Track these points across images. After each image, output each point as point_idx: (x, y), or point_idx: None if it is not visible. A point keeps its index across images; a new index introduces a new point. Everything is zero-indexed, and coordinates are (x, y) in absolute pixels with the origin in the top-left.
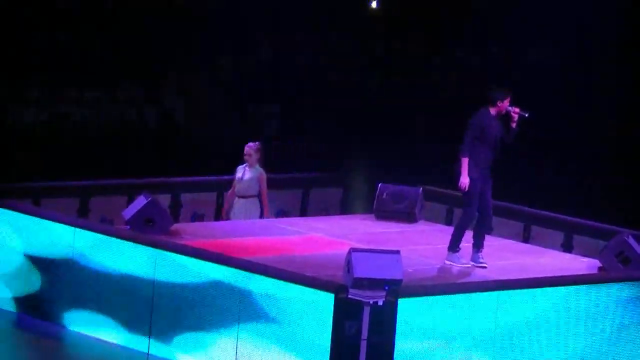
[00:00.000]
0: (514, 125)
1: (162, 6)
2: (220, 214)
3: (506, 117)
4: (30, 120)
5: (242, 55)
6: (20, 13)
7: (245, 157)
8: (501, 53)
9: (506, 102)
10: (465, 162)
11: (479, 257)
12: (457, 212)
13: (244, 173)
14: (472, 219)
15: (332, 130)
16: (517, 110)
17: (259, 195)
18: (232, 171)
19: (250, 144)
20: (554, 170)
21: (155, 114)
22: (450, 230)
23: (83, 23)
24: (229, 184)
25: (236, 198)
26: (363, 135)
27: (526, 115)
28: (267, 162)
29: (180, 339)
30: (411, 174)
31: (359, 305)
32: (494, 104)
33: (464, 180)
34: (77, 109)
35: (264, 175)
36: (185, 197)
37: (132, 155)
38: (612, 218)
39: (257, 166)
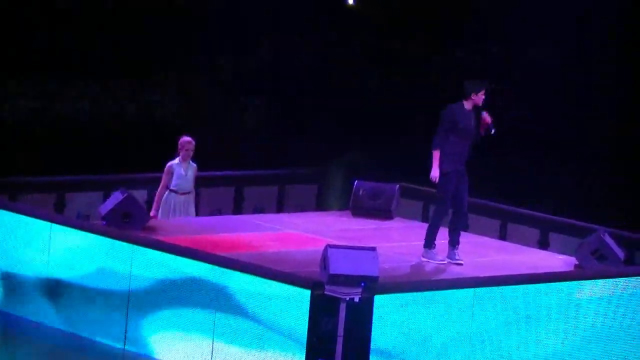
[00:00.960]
0: (481, 130)
1: (162, 6)
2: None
3: (479, 113)
4: (25, 115)
5: (242, 55)
6: (20, 13)
7: (189, 152)
8: (501, 53)
9: (481, 95)
10: (436, 155)
11: (455, 254)
12: (433, 208)
13: (187, 168)
14: (444, 213)
15: (332, 129)
16: (488, 120)
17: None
18: (162, 167)
19: (189, 137)
20: (554, 170)
21: (149, 112)
22: (426, 226)
23: (83, 23)
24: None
25: (172, 194)
26: (363, 135)
27: (492, 131)
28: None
29: (156, 335)
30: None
31: (335, 302)
32: (467, 97)
33: (434, 174)
34: (73, 106)
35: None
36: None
37: (128, 151)
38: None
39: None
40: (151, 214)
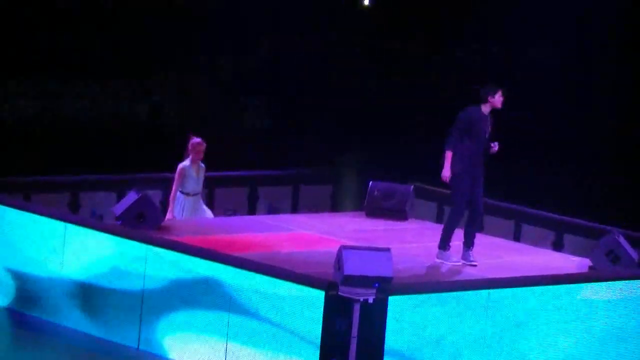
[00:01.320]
0: (490, 150)
1: (162, 6)
2: (166, 212)
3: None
4: (25, 115)
5: (242, 55)
6: (20, 13)
7: (200, 154)
8: (501, 53)
9: (497, 97)
10: (448, 155)
11: (469, 255)
12: (447, 209)
13: (197, 170)
14: (460, 216)
15: (332, 129)
16: (496, 148)
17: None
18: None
19: (199, 139)
20: (554, 170)
21: (150, 112)
22: (440, 227)
23: (83, 23)
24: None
25: (183, 196)
26: (363, 135)
27: (495, 148)
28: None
29: (170, 335)
30: (411, 173)
31: (349, 303)
32: (485, 101)
33: (445, 174)
34: (73, 105)
35: None
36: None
37: (129, 151)
38: (612, 218)
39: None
40: (168, 216)
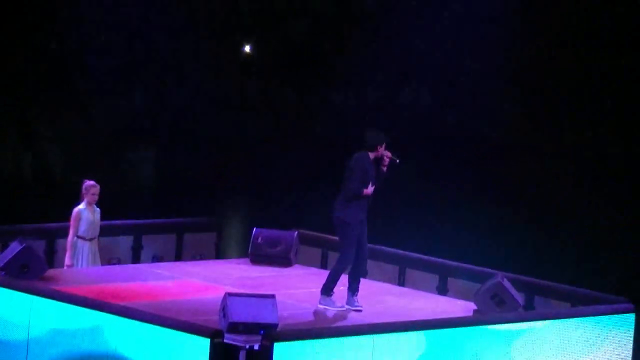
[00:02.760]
0: (384, 169)
1: (37, 49)
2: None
3: (378, 160)
4: None
5: (116, 100)
6: None
7: (95, 197)
8: (375, 94)
9: (383, 147)
10: (369, 191)
11: (354, 301)
12: (332, 255)
13: (93, 213)
14: (348, 263)
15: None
16: (389, 154)
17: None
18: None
19: (93, 181)
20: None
21: (30, 161)
22: (325, 273)
23: None
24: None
25: (80, 241)
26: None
27: (397, 161)
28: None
29: None
30: (286, 219)
31: (235, 350)
32: (373, 149)
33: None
34: None
35: None
36: (61, 243)
37: (7, 202)
38: (496, 261)
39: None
40: (66, 262)
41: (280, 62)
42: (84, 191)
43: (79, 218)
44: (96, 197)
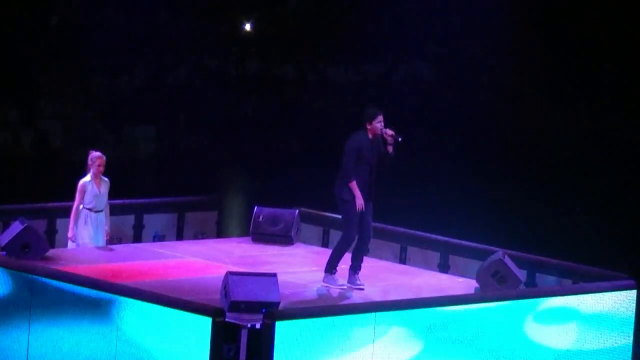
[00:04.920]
0: (390, 149)
1: (36, 28)
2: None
3: (384, 141)
4: None
5: (117, 77)
6: None
7: (101, 168)
8: (375, 70)
9: (376, 122)
10: (354, 185)
11: (356, 279)
12: (333, 233)
13: (99, 185)
14: (351, 241)
15: (210, 152)
16: (389, 132)
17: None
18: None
19: (99, 152)
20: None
21: (30, 138)
22: (326, 252)
23: None
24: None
25: (86, 212)
26: (242, 158)
27: (400, 139)
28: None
29: None
30: (288, 198)
31: (236, 329)
32: (368, 125)
33: (360, 202)
34: None
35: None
36: (61, 223)
37: (6, 180)
38: (497, 238)
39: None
40: (69, 234)
41: (279, 39)
42: (89, 162)
43: (83, 191)
44: (102, 169)
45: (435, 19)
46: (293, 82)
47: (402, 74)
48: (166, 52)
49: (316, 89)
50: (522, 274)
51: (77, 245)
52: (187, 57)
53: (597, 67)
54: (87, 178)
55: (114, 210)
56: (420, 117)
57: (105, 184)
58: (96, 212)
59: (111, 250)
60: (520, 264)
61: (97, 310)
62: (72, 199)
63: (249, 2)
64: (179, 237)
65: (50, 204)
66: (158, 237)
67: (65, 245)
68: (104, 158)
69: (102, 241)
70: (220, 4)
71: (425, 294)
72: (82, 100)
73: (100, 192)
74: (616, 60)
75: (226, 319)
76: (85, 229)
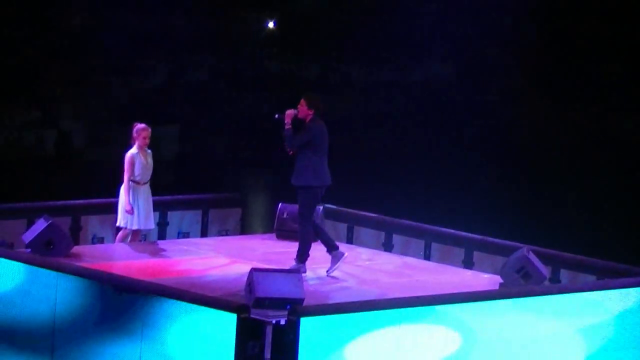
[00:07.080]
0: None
1: (52, 30)
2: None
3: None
4: None
5: (137, 78)
6: None
7: (146, 140)
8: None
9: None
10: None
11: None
12: (357, 229)
13: (146, 157)
14: (311, 226)
15: (235, 152)
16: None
17: None
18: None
19: (144, 124)
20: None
21: (52, 138)
22: (351, 248)
23: None
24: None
25: (134, 185)
26: (266, 155)
27: (276, 116)
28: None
29: None
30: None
31: (261, 325)
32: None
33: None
34: None
35: None
36: (85, 220)
37: (30, 178)
38: (521, 235)
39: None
40: (126, 208)
41: (301, 38)
42: (134, 134)
43: (132, 162)
44: (147, 141)
45: (451, 21)
46: (313, 80)
47: (418, 74)
48: (186, 52)
49: (337, 87)
50: (546, 270)
51: (135, 216)
52: (209, 57)
53: (596, 67)
54: (134, 150)
55: None
56: (441, 113)
57: (149, 155)
58: (144, 184)
59: (135, 247)
60: (544, 260)
61: (122, 307)
62: (95, 196)
63: (271, 1)
64: (203, 234)
65: (74, 202)
66: (182, 234)
67: (91, 242)
68: (149, 130)
69: (152, 213)
70: (242, 3)
71: (450, 290)
72: (103, 101)
73: (147, 163)
74: (616, 60)
75: (251, 316)
76: (135, 204)
